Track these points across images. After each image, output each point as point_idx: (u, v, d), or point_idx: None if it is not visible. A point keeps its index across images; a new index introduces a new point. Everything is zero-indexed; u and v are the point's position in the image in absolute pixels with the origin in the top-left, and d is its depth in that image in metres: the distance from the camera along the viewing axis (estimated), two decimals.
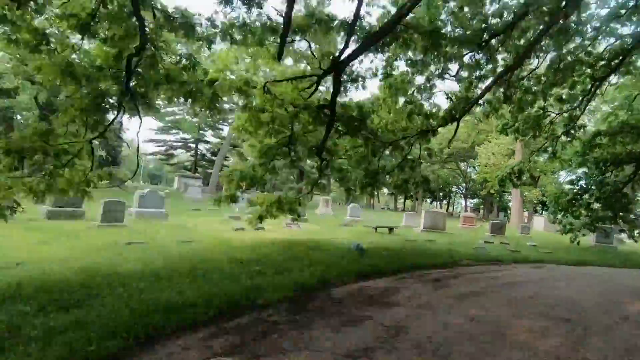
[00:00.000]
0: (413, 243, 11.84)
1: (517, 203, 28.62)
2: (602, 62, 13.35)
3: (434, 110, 8.87)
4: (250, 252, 7.24)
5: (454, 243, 12.75)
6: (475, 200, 75.02)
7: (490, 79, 8.73)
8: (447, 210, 76.17)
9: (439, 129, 9.82)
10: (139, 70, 5.07)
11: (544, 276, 7.53)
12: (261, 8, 5.46)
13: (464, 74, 8.71)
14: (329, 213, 24.86)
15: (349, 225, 17.05)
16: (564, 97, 14.07)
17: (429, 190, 71.43)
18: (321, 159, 7.25)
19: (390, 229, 15.13)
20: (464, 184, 65.50)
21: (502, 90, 8.92)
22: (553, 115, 14.62)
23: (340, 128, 7.00)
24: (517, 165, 14.88)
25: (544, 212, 53.91)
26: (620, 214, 14.42)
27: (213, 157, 45.95)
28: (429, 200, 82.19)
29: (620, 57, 12.70)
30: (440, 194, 77.15)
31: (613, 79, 16.77)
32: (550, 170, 36.07)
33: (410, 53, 6.90)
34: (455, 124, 9.08)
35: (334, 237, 11.96)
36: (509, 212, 46.16)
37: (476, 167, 39.16)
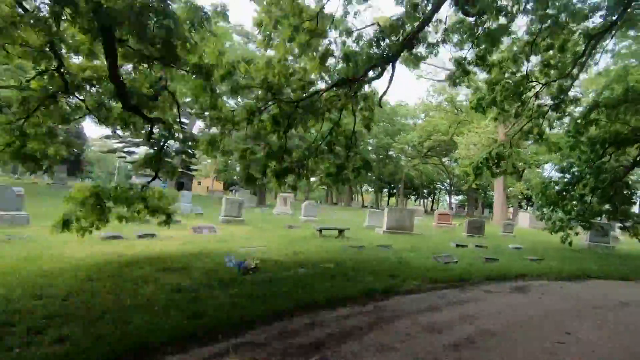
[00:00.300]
0: (357, 251, 8.75)
1: (500, 198, 25.91)
2: (600, 13, 10.52)
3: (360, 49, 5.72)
4: (14, 287, 4.01)
5: (415, 249, 9.72)
6: (460, 197, 72.77)
7: None
8: (431, 207, 73.71)
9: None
10: None
11: (530, 314, 4.48)
12: None
13: None
14: (286, 212, 21.70)
15: (294, 228, 13.89)
16: (551, 62, 11.22)
17: (413, 187, 68.91)
18: (142, 116, 4.06)
19: (340, 232, 12.03)
20: (448, 180, 63.05)
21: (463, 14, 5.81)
22: (539, 86, 11.78)
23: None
24: (495, 150, 11.94)
25: (529, 207, 51.67)
26: (622, 207, 11.62)
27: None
28: (413, 198, 79.69)
29: (622, 7, 9.90)
30: (425, 190, 74.68)
31: (609, 43, 14.06)
32: (534, 161, 33.62)
33: None
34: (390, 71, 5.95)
35: (252, 245, 8.79)
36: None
37: (458, 161, 36.51)
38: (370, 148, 50.02)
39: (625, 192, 11.53)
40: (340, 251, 8.65)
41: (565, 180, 12.17)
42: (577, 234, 12.08)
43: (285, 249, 8.48)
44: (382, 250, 9.33)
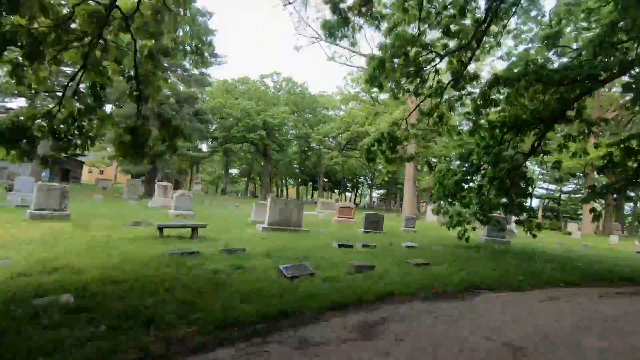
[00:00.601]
0: (177, 263, 5.86)
1: (409, 191, 25.24)
2: None
3: None
4: None
5: (276, 254, 7.19)
6: (382, 191, 74.25)
7: None
8: (354, 201, 74.08)
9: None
10: None
11: None
12: None
13: None
14: (167, 205, 17.94)
15: (142, 225, 10.51)
16: (452, 28, 9.55)
17: (336, 180, 68.34)
18: None
19: (194, 230, 9.06)
20: (370, 174, 63.37)
21: None
22: (438, 59, 10.09)
23: None
24: (388, 130, 10.00)
25: None
26: (518, 200, 10.56)
27: None
28: (337, 192, 79.44)
29: None
30: (349, 184, 74.70)
31: (511, 22, 13.10)
32: (444, 155, 34.25)
33: None
34: None
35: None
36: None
37: None
38: (290, 137, 47.53)
39: (521, 184, 10.47)
40: (147, 263, 5.69)
41: (464, 169, 10.75)
42: (474, 228, 10.79)
43: (50, 263, 5.26)
44: (224, 258, 6.59)
